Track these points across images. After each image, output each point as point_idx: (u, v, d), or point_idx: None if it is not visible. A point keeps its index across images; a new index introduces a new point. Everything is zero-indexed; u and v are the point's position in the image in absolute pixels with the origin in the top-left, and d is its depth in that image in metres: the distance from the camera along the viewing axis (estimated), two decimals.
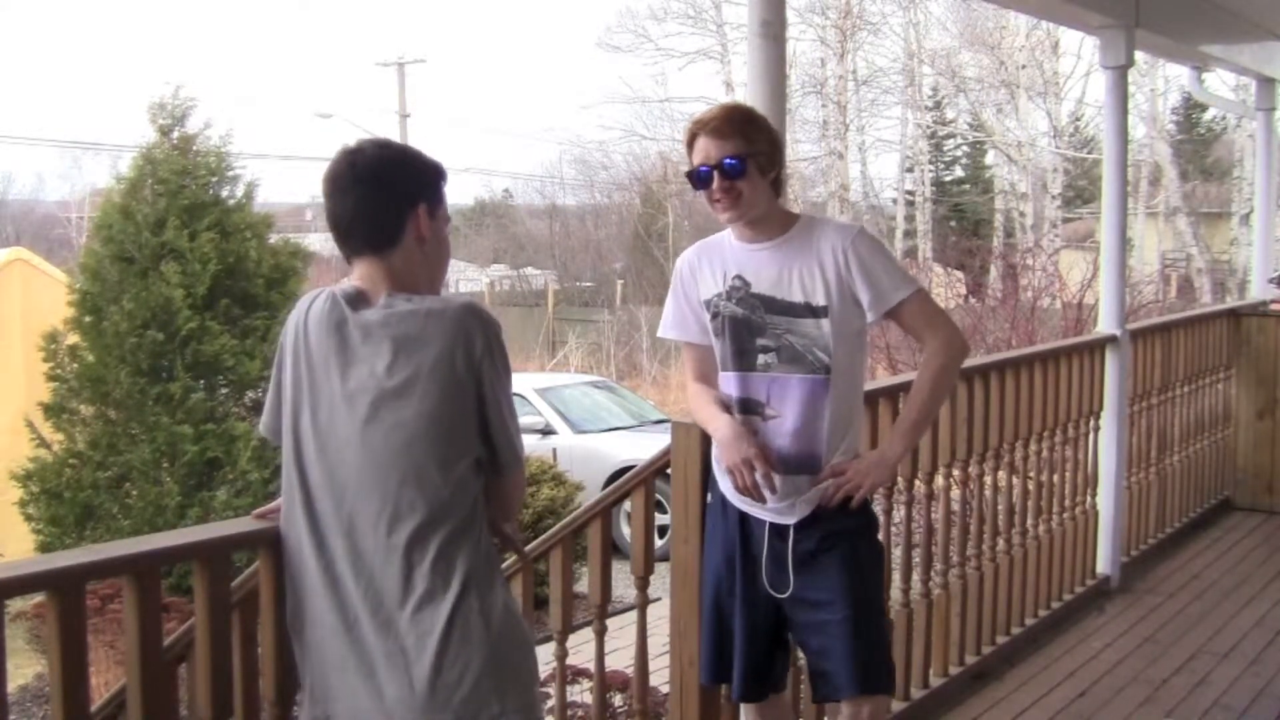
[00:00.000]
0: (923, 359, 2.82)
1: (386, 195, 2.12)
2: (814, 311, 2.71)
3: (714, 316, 2.81)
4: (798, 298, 2.72)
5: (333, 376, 2.04)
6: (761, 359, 2.77)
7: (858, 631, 2.74)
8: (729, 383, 2.82)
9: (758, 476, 2.71)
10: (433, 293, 2.09)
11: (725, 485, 2.84)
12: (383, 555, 2.02)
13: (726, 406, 2.81)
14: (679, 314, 2.90)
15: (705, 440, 3.12)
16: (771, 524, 2.79)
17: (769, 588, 2.80)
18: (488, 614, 2.04)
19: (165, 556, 2.36)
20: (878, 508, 4.00)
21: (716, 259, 2.82)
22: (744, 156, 2.67)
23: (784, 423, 2.75)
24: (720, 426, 2.79)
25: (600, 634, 3.47)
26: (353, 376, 2.03)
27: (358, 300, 2.07)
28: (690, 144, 2.73)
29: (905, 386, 3.93)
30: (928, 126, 30.02)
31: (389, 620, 2.01)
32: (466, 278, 33.69)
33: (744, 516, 2.83)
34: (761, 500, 2.74)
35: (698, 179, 2.72)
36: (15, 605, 7.12)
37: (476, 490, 2.08)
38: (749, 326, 2.77)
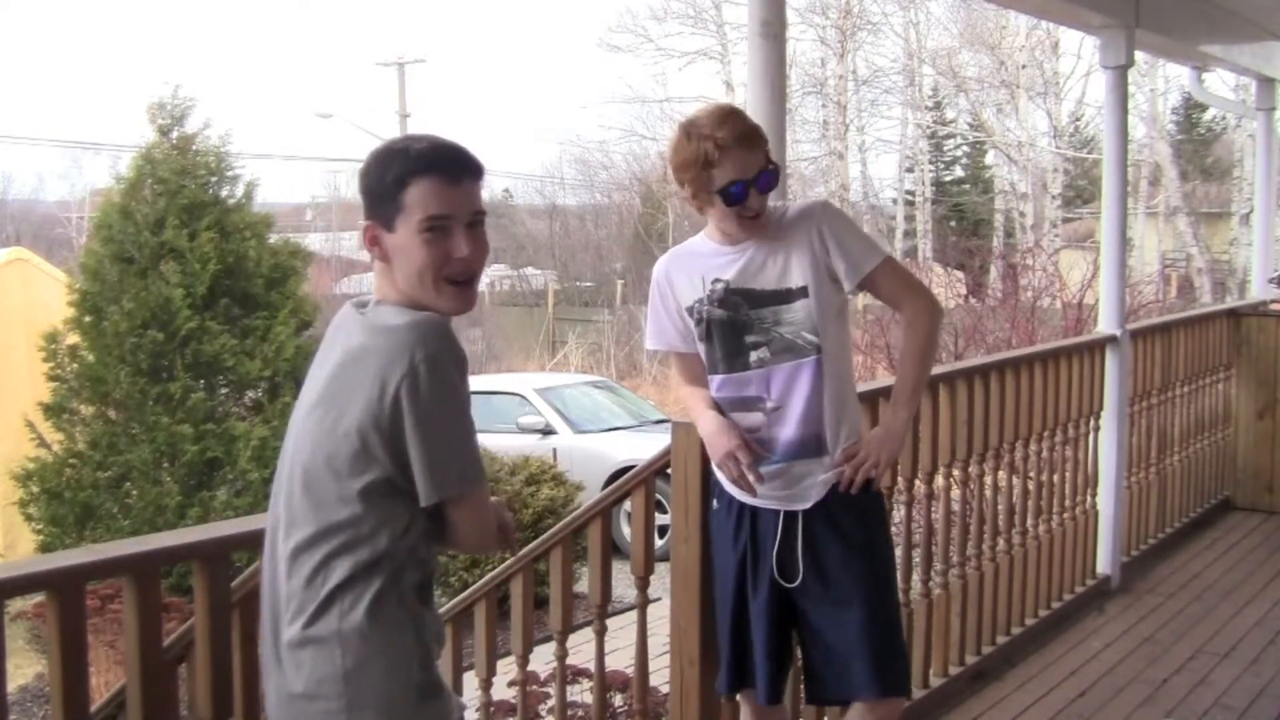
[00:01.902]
0: (904, 325, 2.82)
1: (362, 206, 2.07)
2: (794, 295, 2.70)
3: (699, 323, 2.79)
4: (777, 284, 2.71)
5: (310, 374, 2.06)
6: (754, 355, 2.75)
7: (878, 629, 2.71)
8: (721, 386, 2.80)
9: (743, 468, 2.71)
10: (408, 304, 1.99)
11: (727, 482, 2.83)
12: (279, 561, 1.98)
13: (715, 406, 2.81)
14: (660, 325, 2.88)
15: None
16: (785, 512, 2.76)
17: (778, 576, 2.76)
18: (346, 640, 1.91)
19: (165, 556, 2.36)
20: None
21: (694, 265, 2.79)
22: (774, 166, 2.70)
23: (785, 411, 2.73)
24: (704, 423, 2.80)
25: (600, 634, 3.47)
26: (312, 377, 2.03)
27: (364, 305, 2.07)
28: (709, 160, 2.61)
29: None
30: (928, 126, 30.02)
31: (276, 626, 1.98)
32: None
33: (755, 514, 2.80)
34: (751, 492, 2.74)
35: (732, 197, 2.64)
36: (15, 605, 7.12)
37: (382, 517, 1.93)
38: (734, 326, 2.75)
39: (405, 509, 1.93)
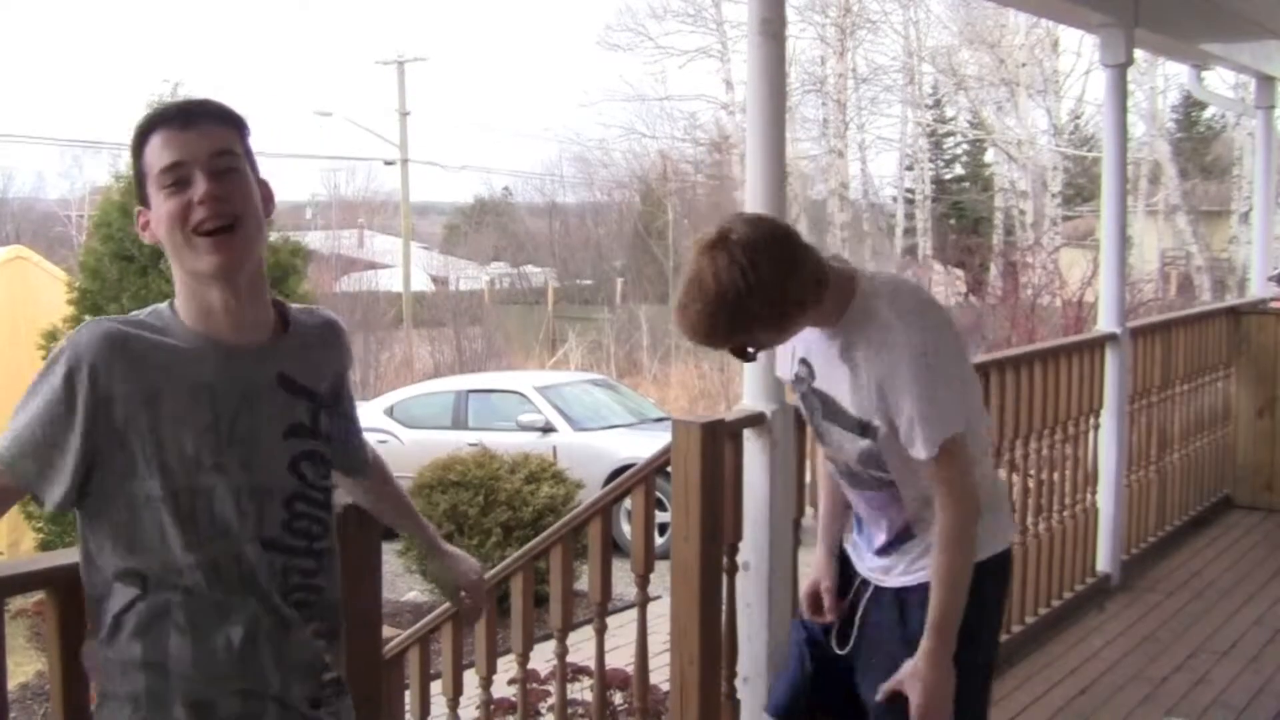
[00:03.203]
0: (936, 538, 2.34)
1: None
2: (864, 430, 2.34)
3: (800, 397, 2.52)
4: (849, 407, 2.35)
5: None
6: (831, 466, 2.53)
7: None
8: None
9: (803, 608, 2.62)
10: (182, 287, 1.82)
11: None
12: None
13: (831, 533, 2.62)
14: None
15: (706, 439, 3.12)
16: (863, 578, 2.56)
17: (835, 641, 2.57)
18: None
19: None
20: None
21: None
22: (745, 346, 2.34)
23: (869, 527, 2.53)
24: (815, 552, 2.64)
25: (600, 632, 3.47)
26: None
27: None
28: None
29: None
30: (927, 124, 30.02)
31: None
32: (467, 276, 33.69)
33: (847, 561, 2.62)
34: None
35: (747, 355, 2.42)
36: (15, 603, 7.11)
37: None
38: (815, 428, 2.50)
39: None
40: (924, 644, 2.30)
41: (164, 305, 1.83)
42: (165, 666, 1.75)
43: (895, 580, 2.45)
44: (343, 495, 2.38)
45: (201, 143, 1.77)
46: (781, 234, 2.28)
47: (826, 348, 2.35)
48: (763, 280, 2.18)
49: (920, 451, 2.24)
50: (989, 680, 2.51)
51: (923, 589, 2.35)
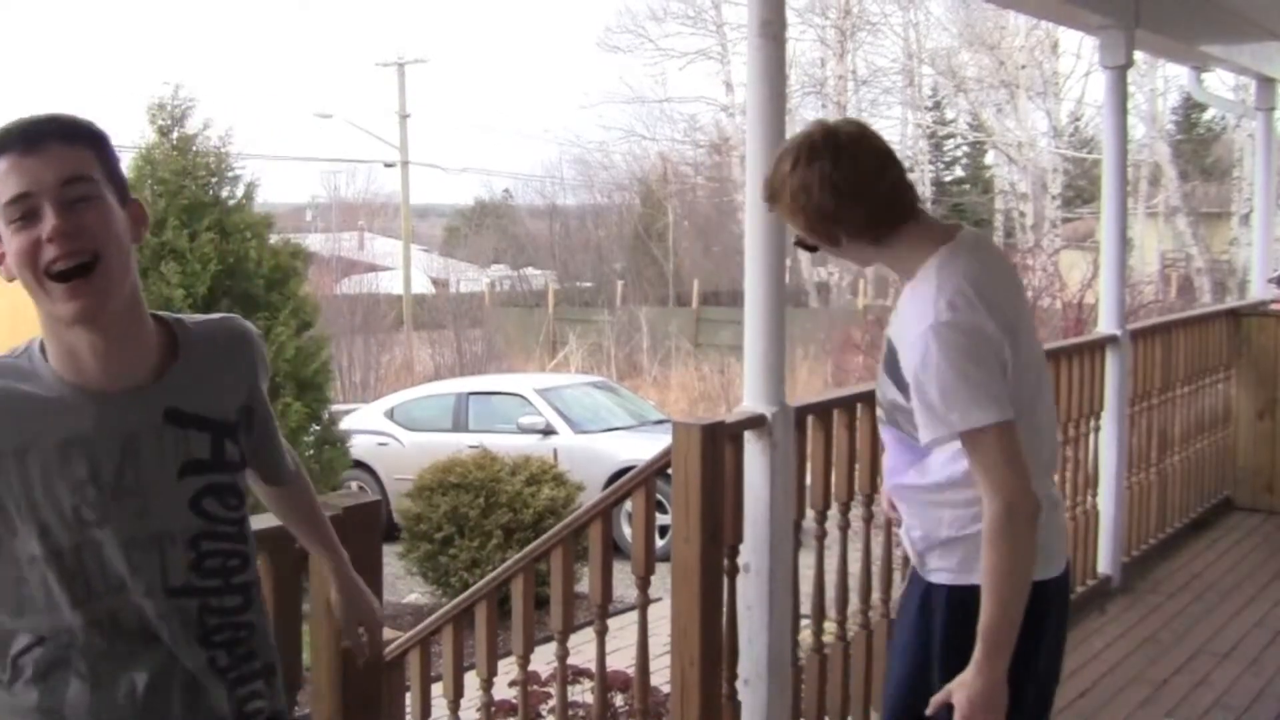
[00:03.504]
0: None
1: None
2: (882, 402, 2.32)
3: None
4: (884, 370, 2.32)
5: None
6: None
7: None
8: None
9: None
10: (45, 329, 1.72)
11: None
12: None
13: None
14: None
15: (706, 441, 3.12)
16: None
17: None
18: None
19: None
20: (878, 508, 4.02)
21: None
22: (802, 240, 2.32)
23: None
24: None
25: (601, 634, 3.47)
26: None
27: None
28: None
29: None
30: (927, 126, 30.03)
31: None
32: (467, 278, 33.70)
33: None
34: None
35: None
36: None
37: None
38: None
39: None
40: (975, 651, 2.14)
41: (35, 343, 1.70)
42: (61, 714, 1.65)
43: (922, 567, 2.36)
44: (342, 498, 2.38)
45: (48, 170, 1.56)
46: (875, 163, 2.23)
47: (900, 304, 2.30)
48: (823, 166, 2.19)
49: (922, 435, 2.17)
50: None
51: (944, 592, 2.28)
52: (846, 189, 2.19)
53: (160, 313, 1.75)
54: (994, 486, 2.10)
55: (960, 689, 2.13)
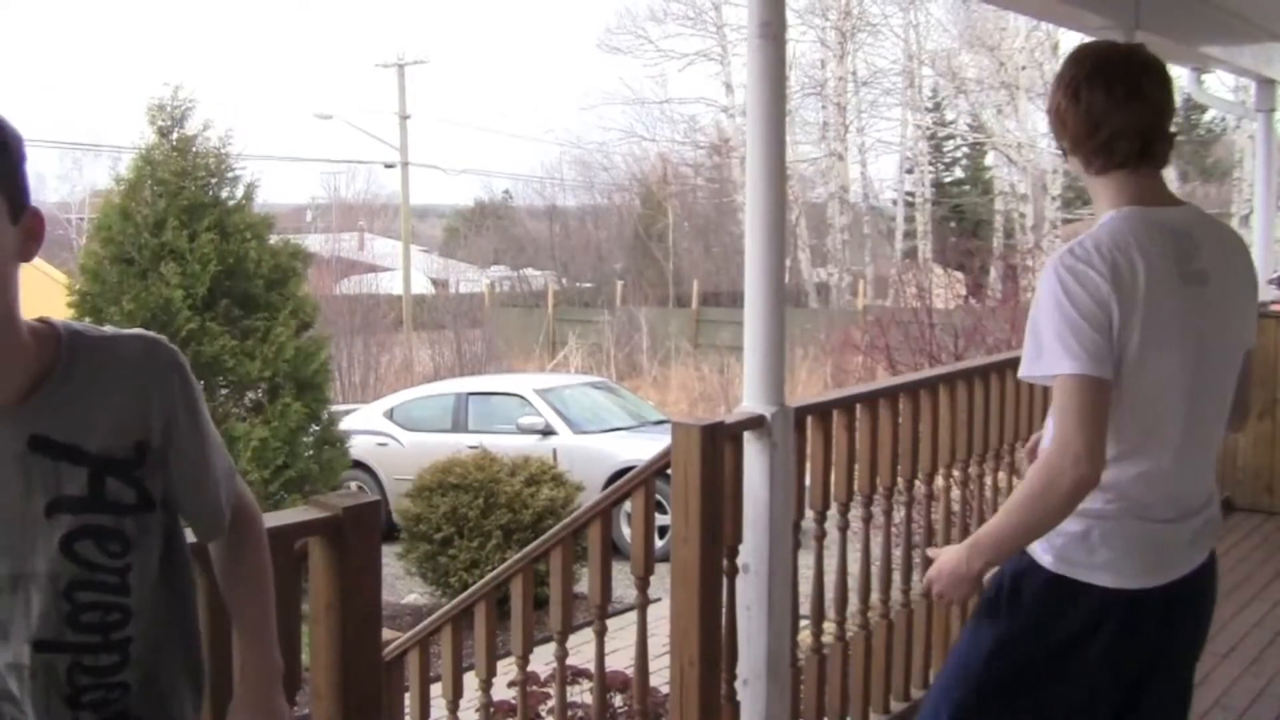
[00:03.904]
0: None
1: None
2: None
3: None
4: None
5: None
6: None
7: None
8: None
9: None
10: None
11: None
12: None
13: None
14: None
15: (705, 441, 3.12)
16: None
17: None
18: None
19: None
20: (877, 508, 4.03)
21: None
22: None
23: None
24: None
25: (600, 634, 3.47)
26: None
27: None
28: None
29: (905, 387, 3.96)
30: (927, 128, 30.05)
31: None
32: (467, 278, 33.72)
33: None
34: None
35: None
36: None
37: None
38: None
39: None
40: (958, 549, 2.23)
41: None
42: None
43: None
44: (341, 498, 2.38)
45: None
46: (1122, 93, 2.20)
47: None
48: (1088, 76, 2.20)
49: (1020, 370, 2.16)
50: (1002, 680, 2.25)
51: (1040, 574, 2.20)
52: (1098, 110, 2.18)
53: (60, 321, 1.58)
54: (1055, 435, 2.09)
55: (939, 557, 2.24)
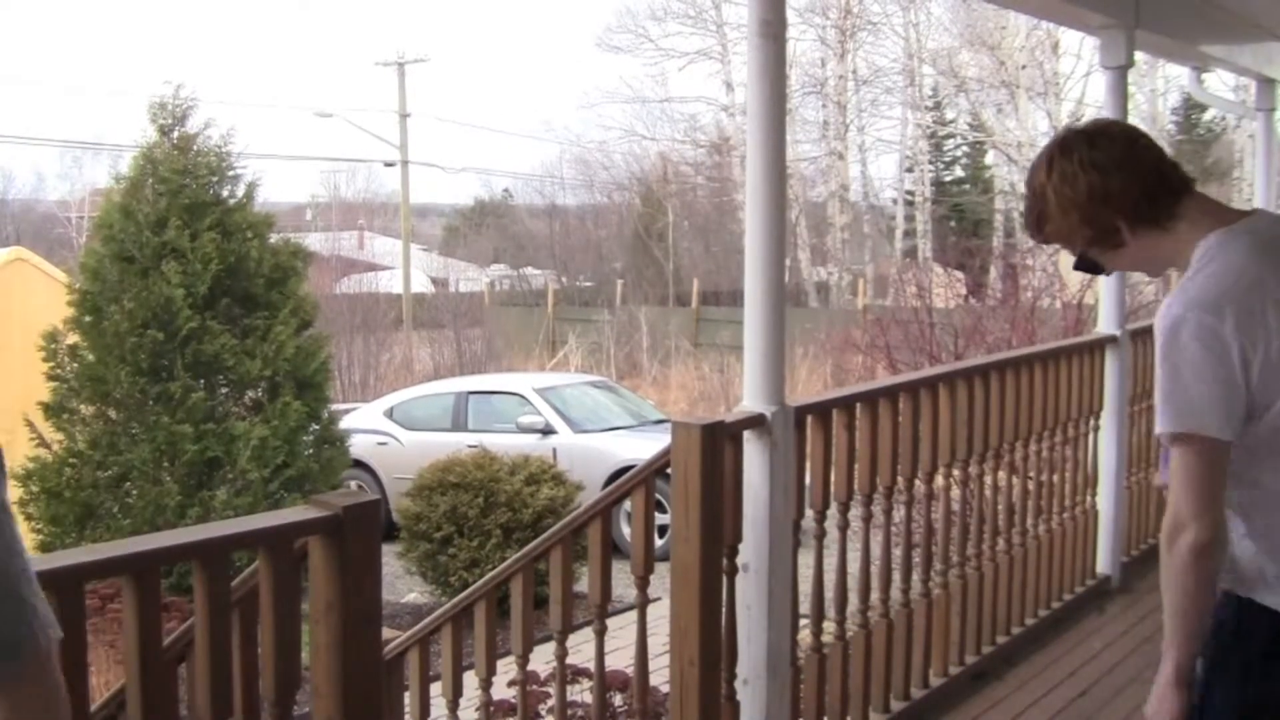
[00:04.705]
0: None
1: None
2: None
3: None
4: None
5: None
6: None
7: None
8: None
9: None
10: None
11: None
12: None
13: None
14: None
15: (705, 440, 3.12)
16: None
17: None
18: None
19: (165, 556, 2.36)
20: (877, 508, 4.03)
21: None
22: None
23: None
24: None
25: (600, 634, 3.47)
26: None
27: None
28: None
29: (905, 386, 3.96)
30: (928, 126, 30.03)
31: None
32: (467, 277, 33.72)
33: None
34: None
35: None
36: None
37: None
38: None
39: None
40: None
41: None
42: None
43: None
44: (341, 497, 2.38)
45: None
46: (1131, 136, 2.13)
47: None
48: (1080, 152, 2.09)
49: (1158, 426, 2.03)
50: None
51: (1223, 598, 2.10)
52: (1111, 164, 2.06)
53: None
54: (1171, 500, 2.01)
55: (1155, 700, 2.09)
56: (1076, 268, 2.24)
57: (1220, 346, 1.94)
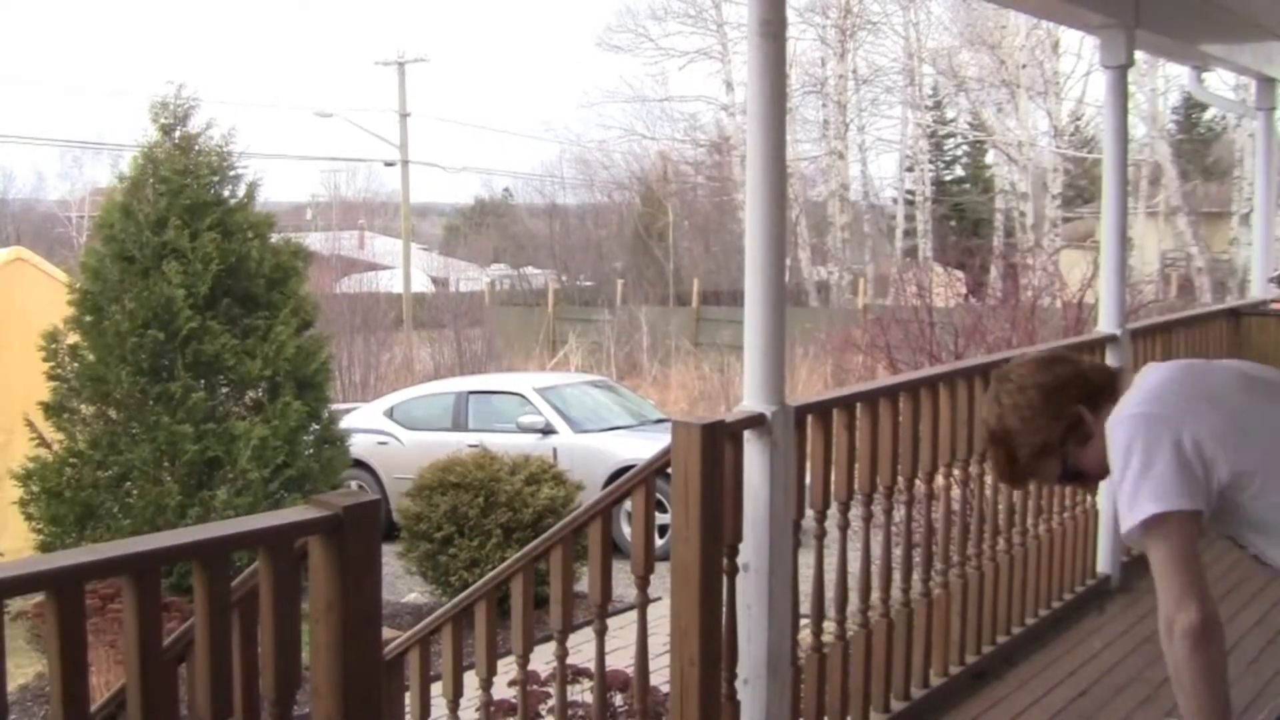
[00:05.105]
0: None
1: None
2: None
3: None
4: None
5: None
6: None
7: None
8: None
9: None
10: None
11: None
12: None
13: None
14: None
15: (706, 440, 3.12)
16: None
17: None
18: None
19: (165, 556, 2.36)
20: (878, 507, 4.03)
21: None
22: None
23: None
24: None
25: (601, 633, 3.47)
26: None
27: None
28: None
29: (905, 386, 3.96)
30: (928, 126, 30.03)
31: None
32: (467, 277, 33.72)
33: None
34: None
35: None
36: (15, 605, 7.12)
37: None
38: None
39: None
40: None
41: None
42: None
43: None
44: (341, 497, 2.38)
45: None
46: (1046, 357, 2.33)
47: None
48: (1013, 384, 2.28)
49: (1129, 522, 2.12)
50: None
51: None
52: (1045, 365, 2.30)
53: None
54: (1159, 592, 2.09)
55: None
56: (1062, 481, 2.37)
57: (1171, 435, 2.10)
